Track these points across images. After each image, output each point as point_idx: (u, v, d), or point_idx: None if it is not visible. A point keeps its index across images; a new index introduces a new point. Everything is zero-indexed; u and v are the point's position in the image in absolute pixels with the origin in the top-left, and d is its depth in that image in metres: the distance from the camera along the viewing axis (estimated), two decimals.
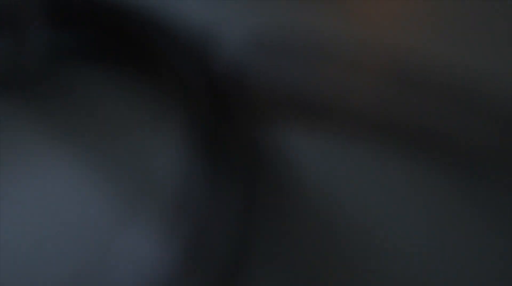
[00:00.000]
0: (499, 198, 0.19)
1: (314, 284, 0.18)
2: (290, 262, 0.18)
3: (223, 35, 0.23)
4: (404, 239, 0.19)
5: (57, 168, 0.20)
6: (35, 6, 0.22)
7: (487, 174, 0.20)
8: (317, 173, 0.20)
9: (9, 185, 0.19)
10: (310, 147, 0.21)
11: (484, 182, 0.20)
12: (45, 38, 0.23)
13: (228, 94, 0.20)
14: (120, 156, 0.20)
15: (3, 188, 0.19)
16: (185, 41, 0.22)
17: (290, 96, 0.22)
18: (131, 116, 0.21)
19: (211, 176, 0.18)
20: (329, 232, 0.19)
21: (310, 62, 0.23)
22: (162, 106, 0.21)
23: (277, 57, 0.23)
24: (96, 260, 0.18)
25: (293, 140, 0.21)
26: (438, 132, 0.21)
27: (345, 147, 0.21)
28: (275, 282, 0.17)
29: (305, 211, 0.19)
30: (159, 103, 0.21)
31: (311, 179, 0.20)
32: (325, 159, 0.20)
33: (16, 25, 0.22)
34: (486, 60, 0.23)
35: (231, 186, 0.18)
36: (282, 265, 0.18)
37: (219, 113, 0.20)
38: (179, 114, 0.21)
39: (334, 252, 0.18)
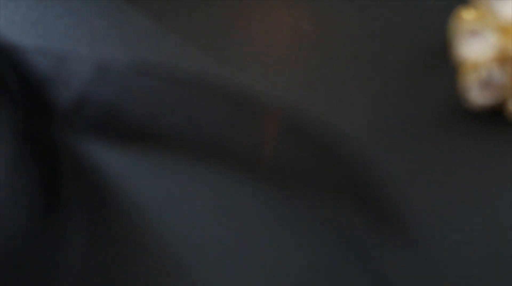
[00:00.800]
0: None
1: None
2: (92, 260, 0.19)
3: (72, 63, 0.24)
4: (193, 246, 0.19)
5: None
6: None
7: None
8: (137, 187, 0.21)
9: None
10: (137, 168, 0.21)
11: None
12: None
13: (59, 118, 0.21)
14: None
15: None
16: (28, 66, 0.22)
17: (120, 121, 0.22)
18: None
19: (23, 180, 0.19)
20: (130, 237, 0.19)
21: (156, 93, 0.23)
22: None
23: (123, 86, 0.23)
24: None
25: (117, 159, 0.21)
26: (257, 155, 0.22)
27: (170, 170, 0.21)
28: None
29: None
30: None
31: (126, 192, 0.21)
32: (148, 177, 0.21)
33: None
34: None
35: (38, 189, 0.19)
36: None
37: (45, 131, 0.20)
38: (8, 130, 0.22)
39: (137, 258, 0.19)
